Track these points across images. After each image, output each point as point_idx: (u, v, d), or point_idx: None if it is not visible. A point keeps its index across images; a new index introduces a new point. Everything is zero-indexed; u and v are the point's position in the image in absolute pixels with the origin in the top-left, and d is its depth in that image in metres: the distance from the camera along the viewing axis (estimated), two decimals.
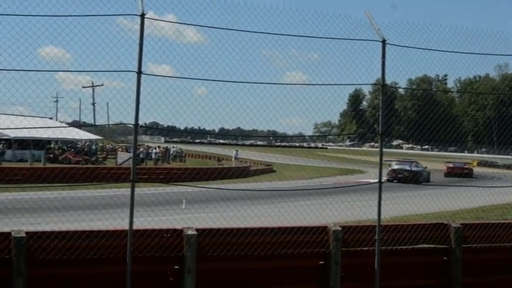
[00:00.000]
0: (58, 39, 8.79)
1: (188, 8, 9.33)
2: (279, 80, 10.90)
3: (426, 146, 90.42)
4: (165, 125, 14.02)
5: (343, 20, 10.23)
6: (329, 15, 10.14)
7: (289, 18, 9.97)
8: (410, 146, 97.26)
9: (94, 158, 59.78)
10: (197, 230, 9.27)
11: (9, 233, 8.34)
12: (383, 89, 10.41)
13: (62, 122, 54.05)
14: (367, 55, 10.78)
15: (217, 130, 15.57)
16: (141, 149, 59.24)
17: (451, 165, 61.62)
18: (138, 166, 32.47)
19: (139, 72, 8.55)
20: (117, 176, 30.36)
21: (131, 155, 10.55)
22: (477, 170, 67.92)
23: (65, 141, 65.14)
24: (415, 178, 46.04)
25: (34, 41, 8.55)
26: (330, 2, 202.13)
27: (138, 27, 8.58)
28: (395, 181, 44.61)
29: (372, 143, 71.69)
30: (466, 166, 61.69)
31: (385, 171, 42.24)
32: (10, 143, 53.93)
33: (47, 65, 8.85)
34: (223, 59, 9.83)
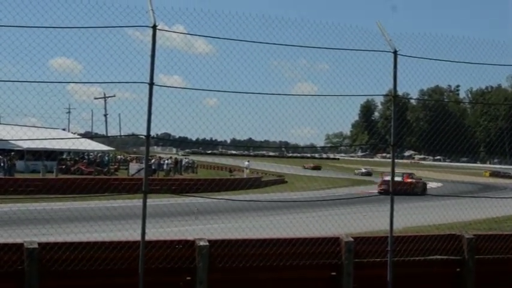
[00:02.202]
0: (70, 51, 8.85)
1: (200, 20, 9.34)
2: (289, 91, 10.93)
3: (438, 157, 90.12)
4: (177, 136, 14.04)
5: (354, 31, 10.20)
6: (340, 25, 10.13)
7: (301, 29, 9.97)
8: (422, 156, 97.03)
9: (106, 169, 59.90)
10: (209, 241, 9.26)
11: (21, 244, 8.35)
12: (395, 99, 10.37)
13: (74, 133, 54.31)
14: (378, 66, 10.75)
15: (228, 141, 15.57)
16: (153, 160, 59.33)
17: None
18: (150, 177, 32.44)
19: (152, 84, 8.55)
20: (129, 187, 30.32)
21: (143, 165, 10.57)
22: (490, 180, 67.50)
23: (77, 152, 65.38)
24: None
25: (47, 52, 8.58)
26: (332, 12, 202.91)
27: (149, 38, 8.58)
28: None
29: (384, 154, 71.58)
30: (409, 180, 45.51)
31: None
32: (22, 153, 54.13)
33: (59, 76, 8.90)
34: (235, 70, 9.82)
